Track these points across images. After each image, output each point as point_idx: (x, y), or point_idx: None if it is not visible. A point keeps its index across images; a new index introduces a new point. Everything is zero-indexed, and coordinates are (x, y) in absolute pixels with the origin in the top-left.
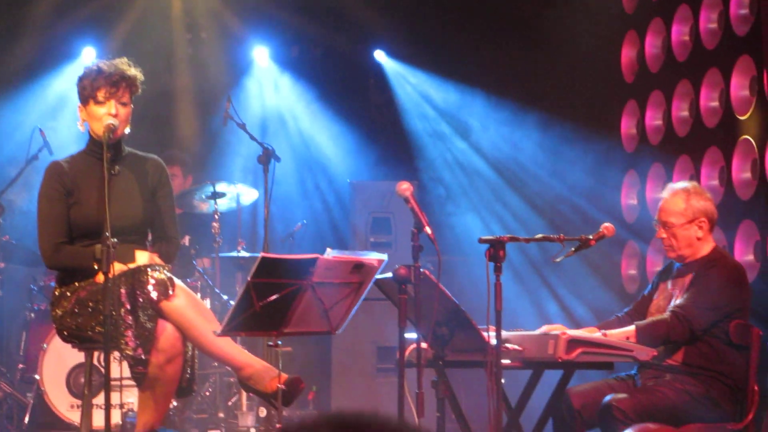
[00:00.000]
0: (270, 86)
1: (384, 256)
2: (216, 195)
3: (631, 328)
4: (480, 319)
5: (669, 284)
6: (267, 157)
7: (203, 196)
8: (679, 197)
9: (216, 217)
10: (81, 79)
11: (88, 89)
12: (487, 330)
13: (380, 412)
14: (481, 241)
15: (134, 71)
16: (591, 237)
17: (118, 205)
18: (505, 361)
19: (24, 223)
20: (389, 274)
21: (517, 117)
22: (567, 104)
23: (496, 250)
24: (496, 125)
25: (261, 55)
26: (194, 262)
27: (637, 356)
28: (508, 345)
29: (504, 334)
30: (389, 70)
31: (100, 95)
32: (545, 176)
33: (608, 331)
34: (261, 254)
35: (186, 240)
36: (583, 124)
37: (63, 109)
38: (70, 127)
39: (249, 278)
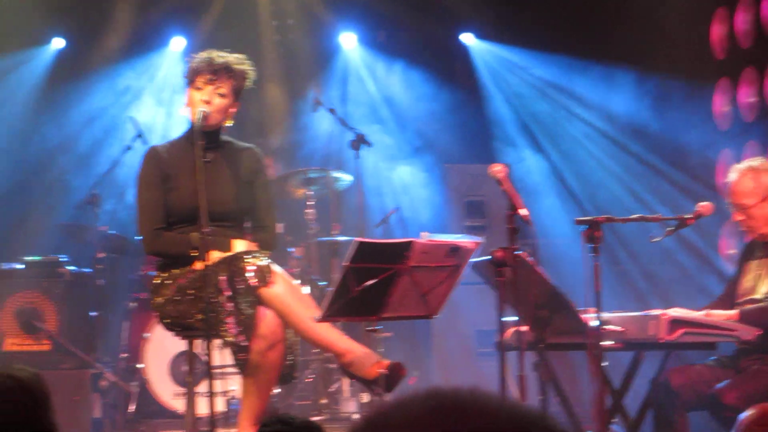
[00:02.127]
0: (358, 71)
1: (480, 239)
2: (309, 181)
3: (733, 312)
4: (579, 301)
5: (754, 264)
6: (358, 142)
7: (296, 183)
8: (747, 177)
9: (310, 203)
10: (188, 63)
11: (191, 73)
12: (587, 312)
13: (478, 389)
14: (577, 222)
15: (243, 67)
16: (689, 216)
17: (213, 192)
18: (606, 343)
19: (121, 213)
20: (486, 258)
21: (606, 94)
22: (659, 81)
23: (592, 230)
24: (585, 104)
25: (348, 40)
26: (290, 249)
27: (741, 336)
28: (608, 326)
29: (604, 315)
30: (477, 52)
31: (200, 81)
32: (642, 154)
33: (711, 311)
34: (357, 239)
35: (281, 227)
36: (677, 102)
37: (151, 98)
38: (156, 115)
39: (346, 263)
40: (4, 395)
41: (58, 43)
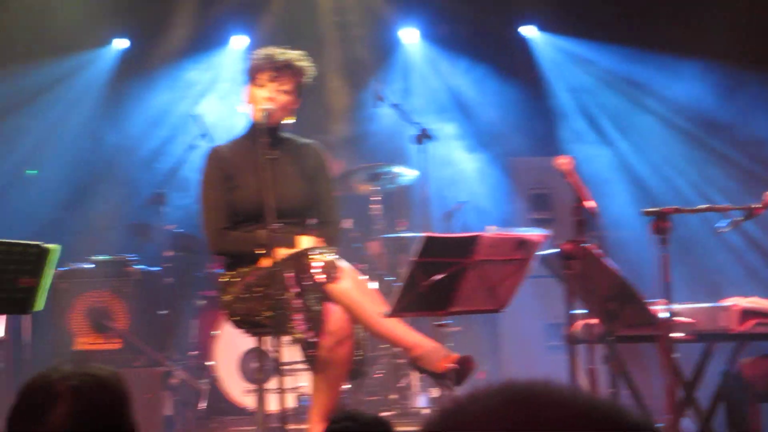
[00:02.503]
0: (420, 65)
1: (547, 232)
2: (374, 177)
3: None
4: (649, 293)
5: None
6: (422, 136)
7: (361, 179)
8: None
9: (376, 199)
10: (250, 61)
11: (253, 71)
12: (656, 303)
13: (552, 381)
14: (644, 213)
15: (304, 63)
16: (757, 206)
17: (277, 189)
18: (677, 335)
19: (187, 211)
20: (553, 250)
21: (672, 84)
22: (727, 69)
23: (660, 221)
24: (655, 96)
25: (410, 35)
26: (357, 245)
27: None
28: (678, 318)
29: (674, 307)
30: (539, 44)
31: (262, 78)
32: (710, 143)
33: None
34: (424, 233)
35: (348, 223)
36: (745, 91)
37: (212, 96)
38: (218, 113)
39: (413, 258)
40: (85, 395)
41: (120, 44)
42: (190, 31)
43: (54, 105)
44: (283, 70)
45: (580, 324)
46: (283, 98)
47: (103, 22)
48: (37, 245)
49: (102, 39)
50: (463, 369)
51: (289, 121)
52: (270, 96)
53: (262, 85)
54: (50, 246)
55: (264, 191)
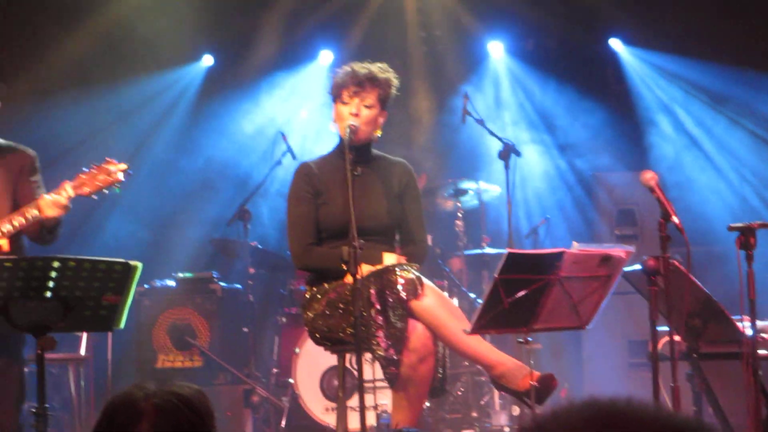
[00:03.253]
0: (506, 80)
1: (632, 248)
2: (458, 192)
3: None
4: (734, 309)
5: None
6: (507, 152)
7: (445, 195)
8: None
9: (460, 215)
10: (332, 78)
11: (336, 88)
12: (742, 320)
13: (635, 398)
14: (730, 228)
15: (387, 75)
16: None
17: (363, 206)
18: (762, 352)
19: (271, 228)
20: (637, 267)
21: (762, 99)
22: None
23: (746, 237)
24: (745, 111)
25: (496, 50)
26: (439, 261)
27: None
28: (764, 335)
29: (759, 323)
30: (626, 58)
31: (346, 95)
32: None
33: None
34: (507, 250)
35: (429, 239)
36: None
37: (300, 112)
38: (306, 128)
39: (496, 275)
40: (168, 413)
41: (207, 60)
42: (278, 46)
43: (141, 123)
44: (365, 84)
45: (663, 341)
46: (368, 113)
47: (191, 39)
48: (121, 263)
49: (190, 55)
50: (545, 387)
51: (377, 134)
52: (354, 111)
53: (346, 102)
54: (134, 263)
55: (349, 208)
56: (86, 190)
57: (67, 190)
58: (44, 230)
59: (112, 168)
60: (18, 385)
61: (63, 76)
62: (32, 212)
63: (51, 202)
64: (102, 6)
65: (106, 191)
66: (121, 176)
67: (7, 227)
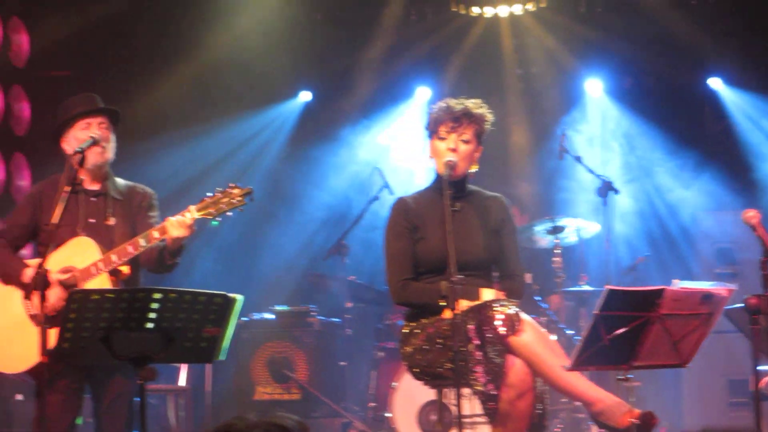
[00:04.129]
0: (604, 118)
1: (734, 286)
2: (556, 229)
3: None
4: None
5: None
6: (605, 189)
7: (543, 231)
8: None
9: (557, 252)
10: (429, 115)
11: (432, 124)
12: None
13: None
14: None
15: (482, 110)
16: None
17: (461, 241)
18: None
19: (368, 263)
20: (739, 305)
21: None
22: None
23: None
24: None
25: (594, 87)
26: (537, 297)
27: None
28: None
29: None
30: (725, 97)
31: (443, 130)
32: None
33: None
34: (607, 287)
35: (528, 277)
36: None
37: (397, 148)
38: (402, 165)
39: (596, 311)
40: None
41: (305, 96)
42: (375, 83)
43: (241, 157)
44: (461, 119)
45: (765, 380)
46: (464, 148)
47: (289, 75)
48: (221, 295)
49: (288, 92)
50: (645, 425)
51: (473, 170)
52: (452, 147)
53: (443, 137)
54: (234, 296)
55: (448, 243)
56: (210, 212)
57: (192, 212)
58: (166, 254)
59: (235, 191)
60: (129, 411)
61: (160, 118)
62: (154, 234)
63: (176, 223)
64: (196, 48)
65: (229, 213)
66: (244, 200)
67: (129, 249)
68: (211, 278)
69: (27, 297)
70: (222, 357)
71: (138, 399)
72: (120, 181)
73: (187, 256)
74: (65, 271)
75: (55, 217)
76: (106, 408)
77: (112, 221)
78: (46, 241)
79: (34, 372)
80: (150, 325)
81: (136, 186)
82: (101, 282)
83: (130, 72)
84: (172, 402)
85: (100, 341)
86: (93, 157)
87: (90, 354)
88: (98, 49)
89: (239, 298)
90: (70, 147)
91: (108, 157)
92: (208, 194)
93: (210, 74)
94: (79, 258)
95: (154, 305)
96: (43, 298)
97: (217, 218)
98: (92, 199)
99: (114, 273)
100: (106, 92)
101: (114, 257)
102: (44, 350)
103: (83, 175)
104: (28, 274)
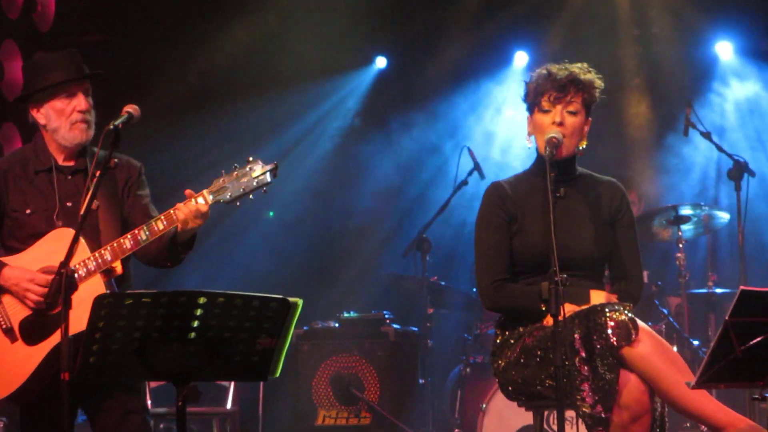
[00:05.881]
0: (738, 86)
1: None
2: (679, 220)
3: None
4: None
5: None
6: (739, 171)
7: (663, 222)
8: None
9: (681, 246)
10: (527, 85)
11: (532, 95)
12: None
13: None
14: None
15: (590, 75)
16: None
17: (567, 234)
18: None
19: (454, 261)
20: None
21: None
22: None
23: None
24: None
25: (725, 51)
26: (656, 301)
27: None
28: None
29: None
30: None
31: (545, 102)
32: None
33: None
34: (741, 288)
35: (645, 275)
36: None
37: (490, 124)
38: (496, 145)
39: (727, 317)
40: None
41: (380, 63)
42: (463, 48)
43: (295, 132)
44: (568, 87)
45: None
46: (573, 121)
47: (364, 41)
48: (278, 299)
49: (363, 58)
50: None
51: (582, 146)
52: (557, 120)
53: (546, 110)
54: (294, 300)
55: (550, 237)
56: (228, 196)
57: (205, 196)
58: (179, 247)
59: (256, 168)
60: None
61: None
62: (158, 226)
63: (188, 211)
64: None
65: (251, 197)
66: (268, 177)
67: (127, 245)
68: (265, 279)
69: None
70: (277, 374)
71: (174, 423)
72: (101, 153)
73: (238, 252)
74: (46, 271)
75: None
76: (113, 427)
77: (94, 204)
78: (13, 231)
79: (16, 397)
80: (193, 335)
81: (119, 158)
82: (94, 285)
83: (172, 37)
84: (217, 428)
85: (134, 354)
86: (75, 136)
87: (122, 369)
88: (139, 10)
89: (299, 302)
90: (44, 118)
91: (91, 134)
92: (223, 172)
93: (267, 36)
94: (61, 255)
95: (199, 311)
96: (67, 305)
97: (236, 202)
98: (69, 177)
99: (107, 272)
100: (148, 59)
101: (108, 255)
102: (66, 365)
103: (54, 152)
104: (5, 275)
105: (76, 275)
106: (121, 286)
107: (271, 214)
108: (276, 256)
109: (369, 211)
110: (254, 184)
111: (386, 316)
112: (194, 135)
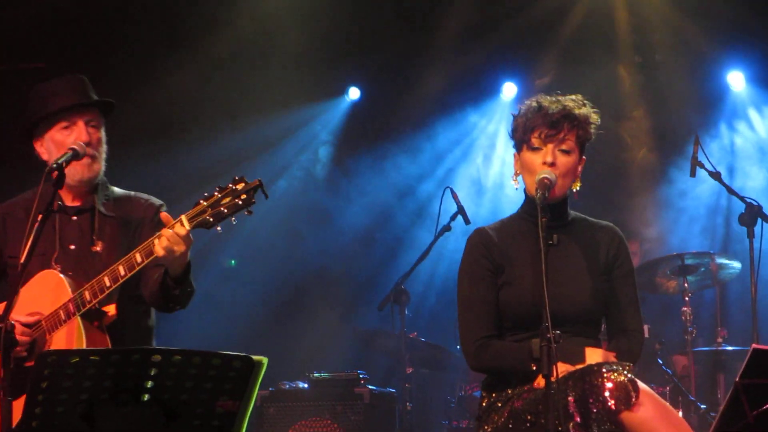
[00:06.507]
0: (751, 120)
1: None
2: (685, 270)
3: None
4: None
5: None
6: (752, 216)
7: (668, 272)
8: None
9: (687, 299)
10: (515, 119)
11: (521, 131)
12: None
13: None
14: None
15: (585, 110)
16: None
17: (560, 286)
18: None
19: (436, 315)
20: None
21: None
22: None
23: None
24: None
25: (737, 81)
26: (659, 360)
27: None
28: None
29: None
30: None
31: (535, 139)
32: None
33: None
34: (753, 346)
35: (646, 330)
36: None
37: (474, 162)
38: (482, 186)
39: (737, 379)
40: None
41: (353, 94)
42: (445, 79)
43: (263, 170)
44: (560, 123)
45: None
46: (565, 160)
47: (335, 67)
48: (241, 357)
49: (333, 88)
50: None
51: (575, 188)
52: (549, 160)
53: (536, 148)
54: (258, 358)
55: (541, 288)
56: (209, 219)
57: (183, 222)
58: (169, 281)
59: (240, 188)
60: None
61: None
62: (136, 258)
63: (164, 239)
64: (216, 29)
65: (233, 220)
66: (253, 198)
67: (106, 282)
68: (226, 334)
69: None
70: None
71: None
72: (116, 190)
73: (196, 304)
74: (32, 316)
75: (24, 253)
76: None
77: (98, 246)
78: (14, 279)
79: None
80: (146, 397)
81: (138, 196)
82: (75, 331)
83: (131, 62)
84: None
85: (80, 418)
86: (77, 172)
87: None
88: (86, 34)
89: (263, 360)
90: (46, 152)
91: (98, 170)
92: (204, 195)
93: (234, 62)
94: (48, 298)
95: (153, 371)
96: (7, 362)
97: (217, 227)
98: (74, 218)
99: (95, 316)
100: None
101: (87, 294)
102: (8, 430)
103: (62, 192)
104: None
105: (42, 322)
106: (115, 332)
107: (233, 262)
108: (238, 309)
109: (341, 259)
110: (239, 203)
111: (361, 375)
112: (154, 168)
